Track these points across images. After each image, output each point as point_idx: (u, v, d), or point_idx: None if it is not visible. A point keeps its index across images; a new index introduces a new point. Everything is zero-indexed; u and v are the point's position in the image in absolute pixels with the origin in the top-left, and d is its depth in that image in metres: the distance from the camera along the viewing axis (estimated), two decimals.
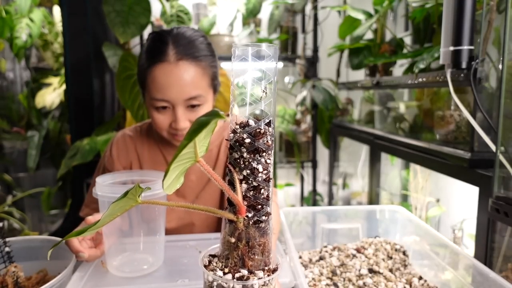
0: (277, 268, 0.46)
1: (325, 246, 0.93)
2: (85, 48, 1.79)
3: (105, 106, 1.99)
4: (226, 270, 0.44)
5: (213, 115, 0.36)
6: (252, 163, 0.43)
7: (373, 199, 1.57)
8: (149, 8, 1.56)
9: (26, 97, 2.39)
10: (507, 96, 0.76)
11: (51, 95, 2.23)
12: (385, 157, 1.72)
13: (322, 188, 2.50)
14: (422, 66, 1.06)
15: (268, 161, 0.44)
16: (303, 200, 2.54)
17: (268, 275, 0.44)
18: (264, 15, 2.36)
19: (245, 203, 0.44)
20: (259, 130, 0.43)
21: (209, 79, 0.88)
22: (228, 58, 2.21)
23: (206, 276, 0.45)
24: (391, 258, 0.86)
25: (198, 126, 0.36)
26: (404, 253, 0.88)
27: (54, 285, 0.61)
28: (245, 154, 0.43)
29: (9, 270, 0.69)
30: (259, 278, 0.43)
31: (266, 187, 0.44)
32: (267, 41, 2.23)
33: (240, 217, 0.44)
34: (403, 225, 0.97)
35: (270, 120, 0.44)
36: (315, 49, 2.28)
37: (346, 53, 1.89)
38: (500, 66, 0.80)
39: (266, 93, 0.44)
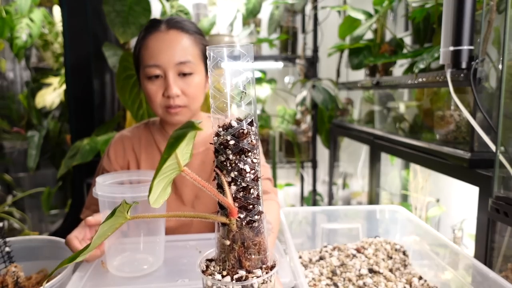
0: (275, 264, 0.46)
1: (325, 246, 0.93)
2: (85, 48, 1.79)
3: (105, 106, 1.99)
4: (224, 273, 0.44)
5: (189, 127, 0.36)
6: (238, 164, 0.43)
7: (373, 199, 1.57)
8: (149, 8, 1.56)
9: (26, 97, 2.39)
10: (507, 96, 0.76)
11: (51, 95, 2.23)
12: (385, 157, 1.72)
13: (322, 188, 2.50)
14: (422, 66, 1.06)
15: (254, 160, 0.44)
16: (303, 200, 2.54)
17: (267, 273, 0.44)
18: (264, 15, 2.36)
19: (236, 204, 0.44)
20: (242, 130, 0.43)
21: (200, 51, 0.92)
22: None
23: (205, 281, 0.45)
24: (391, 258, 0.86)
25: (175, 139, 0.36)
26: (404, 253, 0.88)
27: (54, 285, 0.61)
28: (230, 156, 0.43)
29: (9, 270, 0.69)
30: (258, 277, 0.43)
31: (255, 187, 0.44)
32: (267, 41, 2.23)
33: (232, 219, 0.44)
34: (403, 225, 0.97)
35: (252, 120, 0.44)
36: (315, 49, 2.28)
37: (346, 53, 1.89)
38: (500, 66, 0.80)
39: (245, 92, 0.44)
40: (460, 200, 1.53)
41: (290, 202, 2.65)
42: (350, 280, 0.78)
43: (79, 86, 1.81)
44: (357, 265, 0.82)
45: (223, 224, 0.45)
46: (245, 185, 0.43)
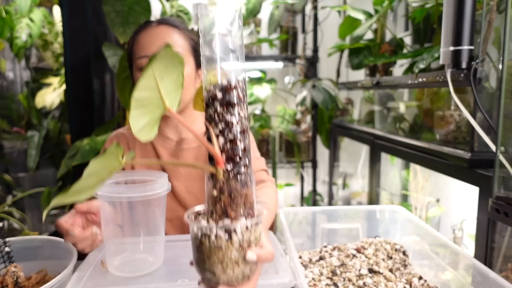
0: (261, 214, 0.48)
1: (325, 246, 0.93)
2: (85, 48, 1.79)
3: (105, 106, 1.99)
4: (211, 221, 0.46)
5: (165, 46, 0.39)
6: (226, 116, 0.45)
7: (373, 199, 1.57)
8: (149, 8, 1.56)
9: (26, 97, 2.38)
10: (507, 96, 0.76)
11: (51, 95, 2.23)
12: (385, 157, 1.72)
13: (322, 188, 2.50)
14: (422, 66, 1.06)
15: (241, 113, 0.46)
16: (303, 200, 2.54)
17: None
18: (264, 15, 2.36)
19: (224, 156, 0.46)
20: (229, 84, 0.46)
21: (189, 45, 0.97)
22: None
23: (191, 228, 0.47)
24: (391, 258, 0.86)
25: (151, 58, 0.39)
26: (404, 253, 0.88)
27: (54, 285, 0.61)
28: (218, 108, 0.45)
29: (9, 270, 0.69)
30: (242, 223, 0.45)
31: (242, 139, 0.47)
32: (267, 41, 2.23)
33: (219, 169, 0.46)
34: (403, 225, 0.97)
35: (240, 76, 0.47)
36: (315, 49, 2.28)
37: (346, 53, 1.89)
38: (500, 66, 0.80)
39: (234, 52, 0.47)
40: (460, 200, 1.53)
41: (290, 202, 2.65)
42: (350, 280, 0.77)
43: (79, 86, 1.81)
44: (357, 265, 0.82)
45: (212, 177, 0.47)
46: (232, 137, 0.46)
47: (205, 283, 0.50)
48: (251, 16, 2.17)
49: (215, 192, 0.46)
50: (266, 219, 0.76)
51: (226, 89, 0.45)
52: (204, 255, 0.47)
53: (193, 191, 1.00)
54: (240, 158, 0.46)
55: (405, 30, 1.58)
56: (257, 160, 1.02)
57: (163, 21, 0.97)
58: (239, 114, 0.46)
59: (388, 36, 1.59)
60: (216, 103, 0.45)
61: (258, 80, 2.37)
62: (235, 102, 0.45)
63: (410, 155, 1.20)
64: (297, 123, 2.36)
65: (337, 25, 1.80)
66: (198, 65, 1.00)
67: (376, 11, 1.57)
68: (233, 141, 0.46)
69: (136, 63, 0.95)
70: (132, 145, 1.03)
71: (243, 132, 0.46)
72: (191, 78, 0.97)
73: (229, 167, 0.46)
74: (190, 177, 1.01)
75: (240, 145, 0.46)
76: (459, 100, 0.90)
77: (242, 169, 0.46)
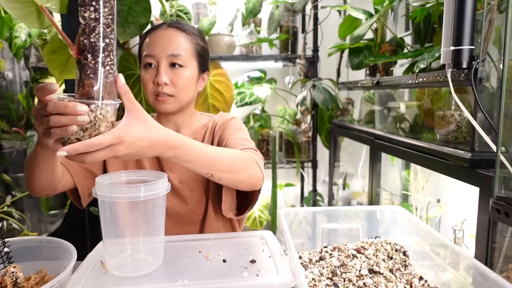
0: (103, 104, 0.60)
1: (325, 247, 0.92)
2: None
3: None
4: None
5: None
6: (84, 13, 0.59)
7: (374, 199, 1.57)
8: (149, 7, 1.55)
9: (25, 97, 2.38)
10: (507, 96, 0.76)
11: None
12: (385, 157, 1.72)
13: (322, 188, 2.50)
14: (422, 66, 1.06)
15: (85, 15, 0.59)
16: (303, 200, 2.54)
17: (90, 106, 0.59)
18: (264, 14, 2.36)
19: (82, 50, 0.60)
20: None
21: (194, 49, 1.01)
22: (228, 58, 2.21)
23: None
24: (391, 258, 0.86)
25: None
26: (404, 253, 0.88)
27: (53, 285, 0.61)
28: (80, 9, 0.59)
29: (8, 271, 0.68)
30: (70, 97, 0.60)
31: (87, 37, 0.59)
32: (267, 41, 2.23)
33: (79, 58, 0.61)
34: (404, 225, 0.97)
35: None
36: (315, 49, 2.28)
37: (346, 53, 1.89)
38: (501, 66, 0.80)
39: None
40: (461, 200, 1.52)
41: (290, 203, 2.65)
42: (350, 280, 0.77)
43: None
44: (357, 266, 0.82)
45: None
46: (82, 32, 0.60)
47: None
48: (251, 16, 2.17)
49: (77, 75, 0.61)
50: (197, 146, 0.75)
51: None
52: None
53: (186, 181, 1.03)
54: (86, 52, 0.59)
55: (406, 29, 1.58)
56: (246, 141, 0.97)
57: (173, 24, 1.02)
58: (84, 17, 0.59)
59: (388, 36, 1.59)
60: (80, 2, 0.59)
61: (258, 80, 2.37)
62: (86, 2, 0.58)
63: (410, 155, 1.20)
64: (297, 123, 2.36)
65: (337, 25, 1.80)
66: (202, 69, 1.04)
67: (377, 11, 1.57)
68: (83, 36, 0.59)
69: (142, 61, 1.00)
70: None
71: (86, 27, 0.59)
72: (192, 80, 1.00)
73: (81, 56, 0.60)
74: (183, 168, 1.02)
75: (86, 42, 0.59)
76: (460, 100, 0.90)
77: (84, 61, 0.60)
